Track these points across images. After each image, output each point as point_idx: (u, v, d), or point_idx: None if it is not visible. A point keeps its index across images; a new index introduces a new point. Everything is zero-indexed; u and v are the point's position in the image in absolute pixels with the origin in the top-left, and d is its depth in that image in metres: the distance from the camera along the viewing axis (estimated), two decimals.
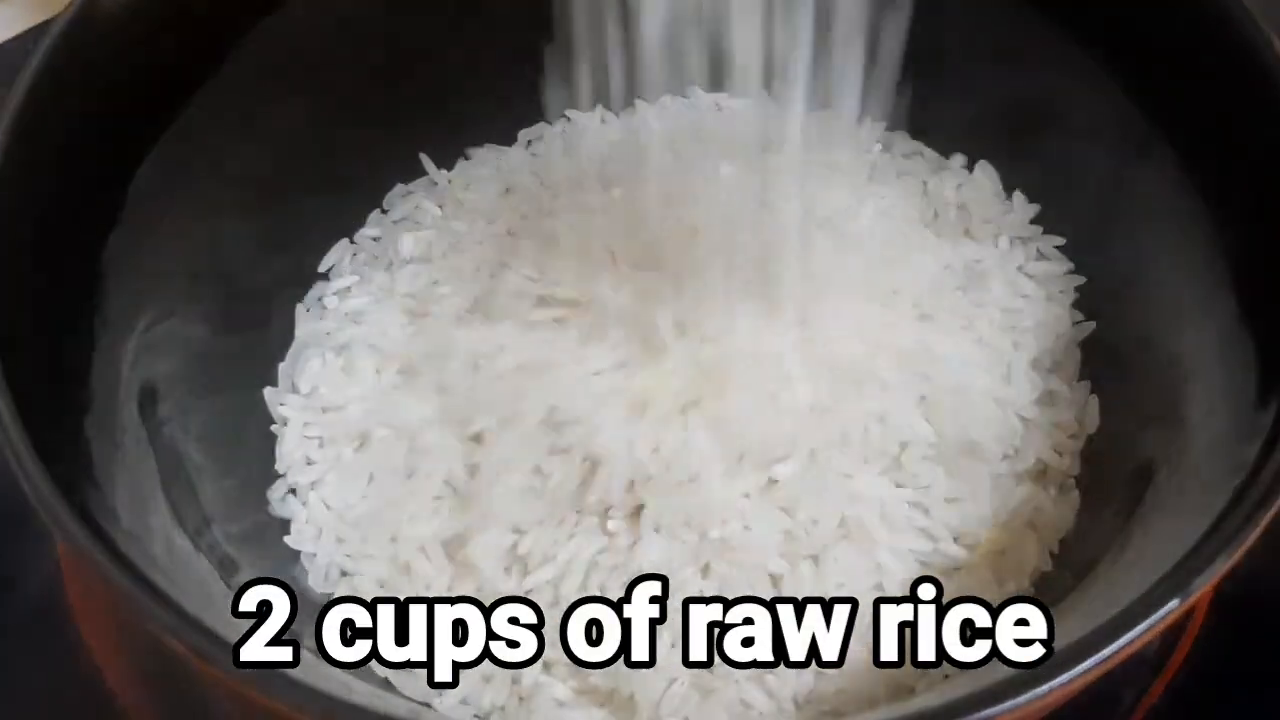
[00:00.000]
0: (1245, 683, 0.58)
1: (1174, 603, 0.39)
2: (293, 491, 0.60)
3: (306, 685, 0.39)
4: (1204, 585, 0.39)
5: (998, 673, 0.39)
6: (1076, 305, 0.63)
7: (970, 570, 0.55)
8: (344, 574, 0.58)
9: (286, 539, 0.59)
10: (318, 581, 0.58)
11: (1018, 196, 0.67)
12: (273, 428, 0.63)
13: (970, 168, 0.68)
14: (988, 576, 0.55)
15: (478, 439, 0.58)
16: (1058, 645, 0.40)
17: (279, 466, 0.61)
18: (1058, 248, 0.65)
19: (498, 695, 0.53)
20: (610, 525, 0.54)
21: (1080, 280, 0.63)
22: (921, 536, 0.55)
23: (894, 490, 0.56)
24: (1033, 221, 0.66)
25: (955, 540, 0.55)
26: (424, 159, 0.71)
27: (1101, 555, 0.52)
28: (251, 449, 0.61)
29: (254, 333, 0.64)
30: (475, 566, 0.55)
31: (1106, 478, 0.57)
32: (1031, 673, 0.37)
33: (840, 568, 0.53)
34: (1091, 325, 0.62)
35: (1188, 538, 0.42)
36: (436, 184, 0.71)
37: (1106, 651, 0.38)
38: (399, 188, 0.71)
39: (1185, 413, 0.53)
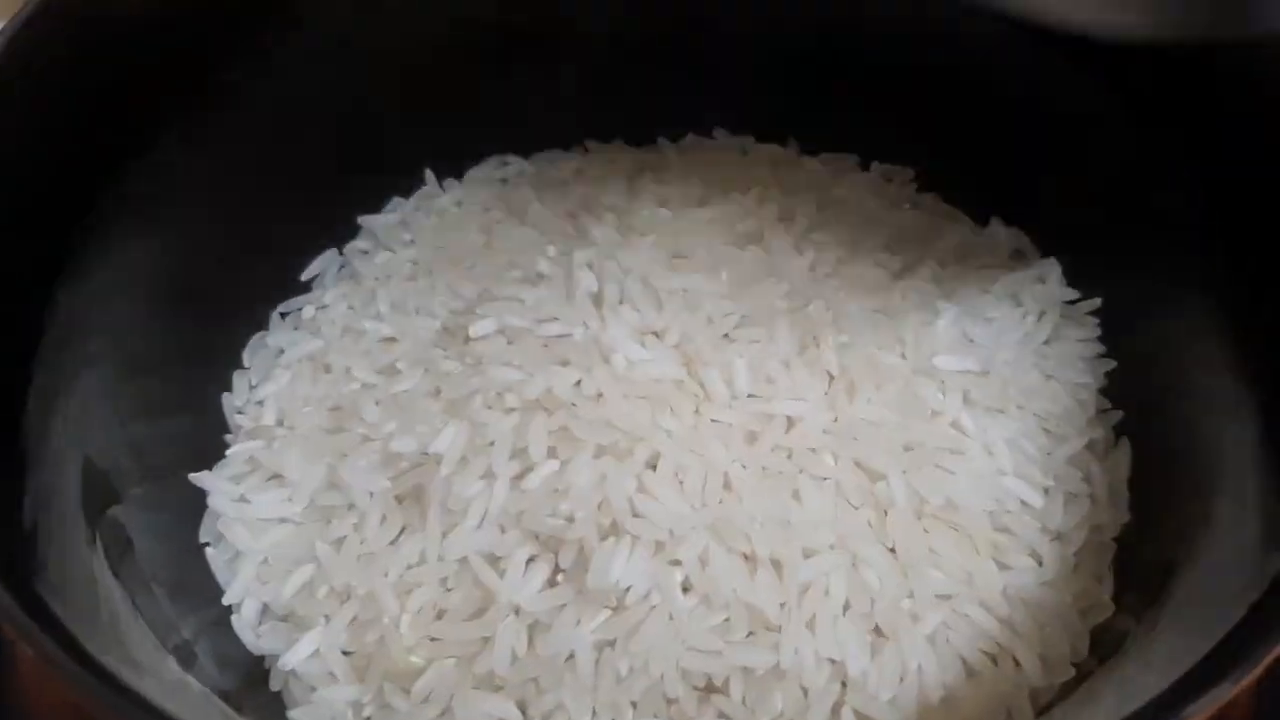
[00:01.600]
0: None
1: None
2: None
3: None
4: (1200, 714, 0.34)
5: None
6: (1104, 391, 0.58)
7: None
8: (282, 619, 0.53)
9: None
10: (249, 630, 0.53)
11: (1052, 270, 0.61)
12: (226, 436, 0.59)
13: (1009, 237, 0.63)
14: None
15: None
16: None
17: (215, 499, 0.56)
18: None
19: None
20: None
21: (1111, 365, 0.58)
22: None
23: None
24: (1068, 303, 0.61)
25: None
26: (428, 173, 0.68)
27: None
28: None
29: (220, 334, 0.61)
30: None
31: (1126, 572, 0.52)
32: None
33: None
34: (1119, 414, 0.57)
35: (1193, 653, 0.37)
36: (434, 198, 0.67)
37: None
38: (396, 200, 0.67)
39: (1212, 515, 0.47)
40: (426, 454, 0.53)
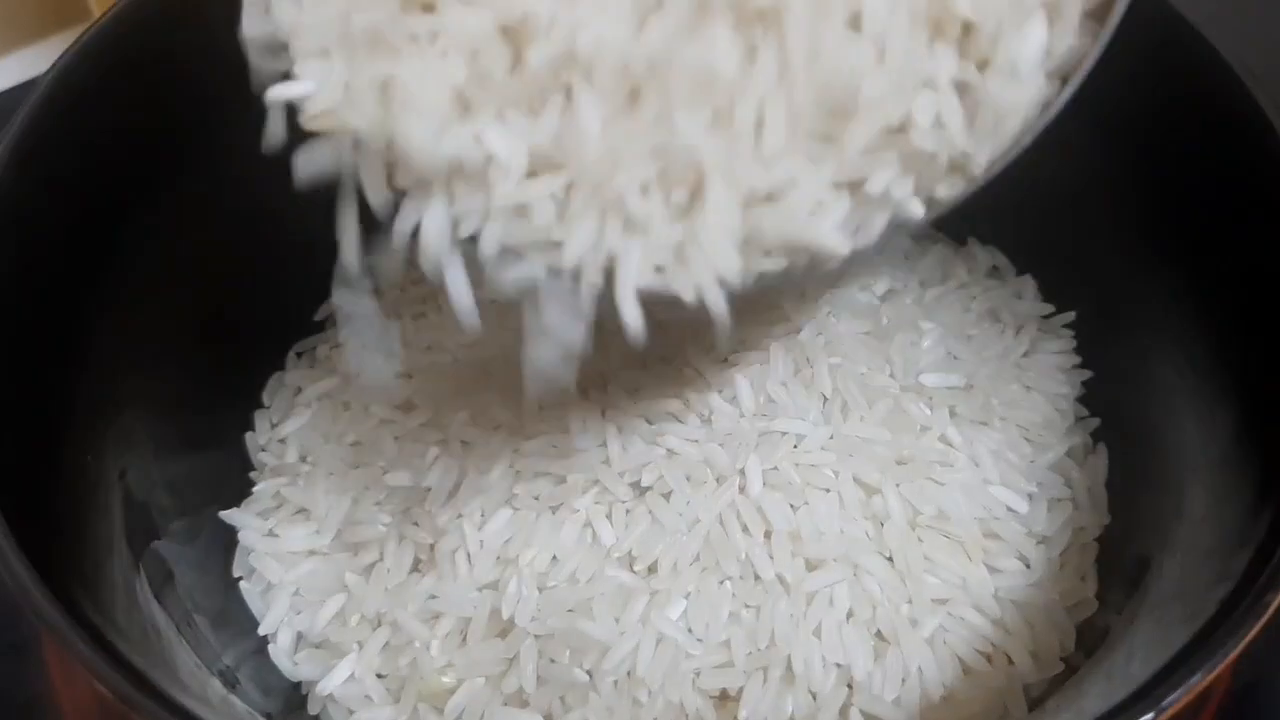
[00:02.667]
0: None
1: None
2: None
3: None
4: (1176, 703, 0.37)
5: None
6: (1081, 400, 0.61)
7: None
8: (317, 646, 0.56)
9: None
10: (286, 658, 0.56)
11: (1028, 286, 0.65)
12: (251, 474, 0.62)
13: (985, 256, 0.67)
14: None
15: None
16: None
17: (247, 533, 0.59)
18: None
19: None
20: None
21: (1087, 375, 0.61)
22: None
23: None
24: (1044, 317, 0.64)
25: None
26: None
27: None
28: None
29: (240, 374, 0.64)
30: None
31: (1107, 569, 0.55)
32: None
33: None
34: (1096, 421, 0.60)
35: (1170, 646, 0.41)
36: None
37: None
38: None
39: (1184, 513, 0.51)
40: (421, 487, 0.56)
